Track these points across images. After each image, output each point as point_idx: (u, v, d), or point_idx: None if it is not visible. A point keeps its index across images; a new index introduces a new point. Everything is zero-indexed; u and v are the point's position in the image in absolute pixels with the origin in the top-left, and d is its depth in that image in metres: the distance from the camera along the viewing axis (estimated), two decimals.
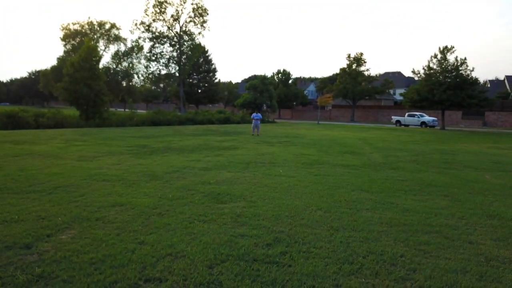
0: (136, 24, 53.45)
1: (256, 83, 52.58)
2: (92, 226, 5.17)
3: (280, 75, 72.69)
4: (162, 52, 54.78)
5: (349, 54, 62.46)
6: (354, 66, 62.40)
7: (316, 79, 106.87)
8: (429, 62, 38.98)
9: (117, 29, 66.22)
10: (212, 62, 70.09)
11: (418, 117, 45.47)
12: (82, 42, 44.15)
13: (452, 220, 5.93)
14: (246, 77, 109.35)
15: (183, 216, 5.73)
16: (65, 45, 64.60)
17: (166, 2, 52.26)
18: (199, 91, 69.62)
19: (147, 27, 53.33)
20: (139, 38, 56.05)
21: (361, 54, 61.98)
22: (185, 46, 54.63)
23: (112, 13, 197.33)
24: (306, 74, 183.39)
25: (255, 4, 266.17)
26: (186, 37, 54.58)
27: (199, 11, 53.38)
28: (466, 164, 12.59)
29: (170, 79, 59.24)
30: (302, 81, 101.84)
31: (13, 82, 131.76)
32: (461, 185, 8.87)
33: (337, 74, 67.05)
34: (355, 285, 3.70)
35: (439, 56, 38.36)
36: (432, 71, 38.71)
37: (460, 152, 16.51)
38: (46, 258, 4.08)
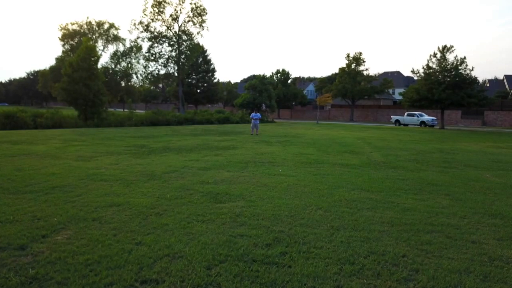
0: (134, 24, 53.32)
1: (255, 83, 52.48)
2: (89, 227, 5.08)
3: (279, 75, 72.54)
4: (161, 52, 54.66)
5: (348, 54, 62.42)
6: (353, 66, 62.33)
7: (315, 79, 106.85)
8: (428, 61, 38.92)
9: (116, 29, 66.05)
10: (211, 62, 69.98)
11: (418, 117, 45.42)
12: (80, 42, 43.98)
13: (454, 219, 5.85)
14: (245, 77, 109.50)
15: (181, 216, 5.64)
16: (63, 45, 64.40)
17: (164, 1, 52.13)
18: (198, 91, 69.48)
19: (145, 27, 53.18)
20: (138, 38, 55.97)
21: (360, 53, 61.93)
22: (183, 46, 54.47)
23: (111, 13, 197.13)
24: (305, 74, 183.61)
25: (254, 4, 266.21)
26: (184, 37, 54.43)
27: (198, 11, 53.25)
28: (466, 163, 12.52)
29: (169, 79, 59.09)
30: (301, 81, 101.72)
31: (11, 82, 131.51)
32: (462, 184, 8.79)
33: (336, 74, 67.02)
34: (357, 286, 3.62)
35: (438, 55, 38.29)
36: (431, 70, 38.62)
37: (460, 151, 16.44)
38: (40, 260, 3.99)
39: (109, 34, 65.85)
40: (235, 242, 4.64)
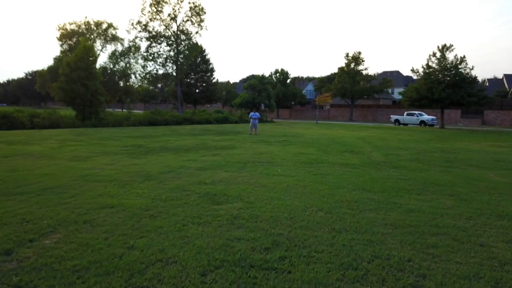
0: (132, 24, 53.02)
1: (254, 83, 52.27)
2: (79, 230, 4.86)
3: (278, 74, 72.31)
4: (159, 51, 54.37)
5: (347, 53, 62.21)
6: (352, 65, 62.11)
7: (314, 78, 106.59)
8: (428, 60, 38.70)
9: (114, 29, 65.79)
10: (210, 62, 69.72)
11: (417, 116, 45.22)
12: (78, 42, 43.63)
13: (460, 221, 5.64)
14: (244, 76, 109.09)
15: (177, 218, 5.42)
16: (61, 45, 64.14)
17: (163, 1, 51.82)
18: (197, 91, 69.23)
19: (144, 27, 52.88)
20: (136, 37, 55.60)
21: (359, 53, 61.72)
22: (182, 46, 54.22)
23: (109, 13, 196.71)
24: (304, 74, 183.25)
25: (253, 3, 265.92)
26: (183, 37, 54.15)
27: (196, 10, 52.96)
28: (468, 162, 12.31)
29: (167, 79, 58.82)
30: (300, 81, 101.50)
31: (10, 83, 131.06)
32: (465, 184, 8.59)
33: (335, 74, 66.76)
34: None
35: (438, 54, 38.07)
36: (431, 69, 38.40)
37: (462, 150, 16.24)
38: (25, 266, 3.77)
39: (107, 34, 65.61)
40: (232, 246, 4.42)
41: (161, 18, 52.92)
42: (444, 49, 37.85)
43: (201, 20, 53.84)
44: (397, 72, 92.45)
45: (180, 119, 37.17)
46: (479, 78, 39.06)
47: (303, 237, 4.79)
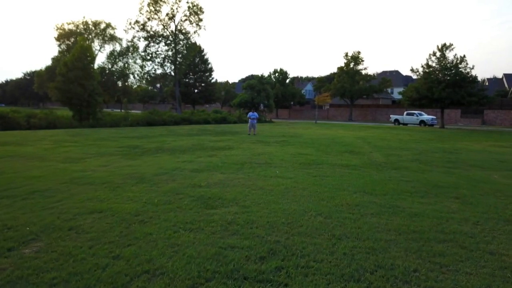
0: (130, 23, 52.77)
1: (254, 83, 51.97)
2: (63, 237, 4.56)
3: (277, 74, 72.03)
4: (157, 51, 54.08)
5: (347, 53, 61.96)
6: (351, 65, 61.84)
7: (313, 78, 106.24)
8: (427, 60, 38.43)
9: (113, 28, 65.46)
10: (209, 61, 69.53)
11: (417, 116, 44.96)
12: (76, 42, 43.39)
13: (467, 226, 5.35)
14: (244, 76, 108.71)
15: (168, 224, 5.13)
16: (59, 45, 63.78)
17: (161, 0, 51.57)
18: (196, 91, 68.98)
19: (142, 26, 52.63)
20: (134, 37, 55.35)
21: (359, 52, 61.46)
22: (180, 45, 53.94)
23: (107, 12, 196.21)
24: (304, 74, 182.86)
25: (253, 3, 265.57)
26: (181, 36, 53.88)
27: (195, 10, 52.71)
28: (471, 163, 12.03)
29: (165, 79, 58.51)
30: (300, 81, 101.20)
31: (8, 83, 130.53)
32: (469, 185, 8.30)
33: (334, 73, 66.47)
34: None
35: (438, 53, 37.79)
36: (431, 69, 38.13)
37: (463, 150, 15.95)
38: (0, 279, 3.47)
39: (105, 34, 65.24)
40: (225, 255, 4.13)
41: (159, 18, 52.69)
42: (444, 48, 37.59)
43: (200, 20, 53.62)
44: (397, 72, 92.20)
45: (178, 119, 36.87)
46: (479, 78, 38.65)
47: (301, 244, 4.50)
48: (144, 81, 61.74)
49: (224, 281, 3.51)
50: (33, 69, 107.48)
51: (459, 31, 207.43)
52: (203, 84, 69.21)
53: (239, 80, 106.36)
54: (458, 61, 36.74)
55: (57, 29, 63.50)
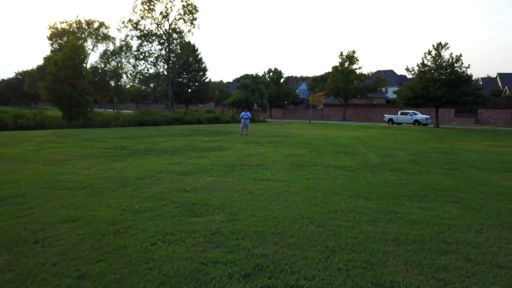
0: (123, 22, 52.14)
1: (248, 82, 51.46)
2: (26, 252, 4.10)
3: (271, 74, 71.53)
4: (151, 50, 53.45)
5: (342, 52, 61.62)
6: (346, 64, 61.50)
7: (308, 78, 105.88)
8: (423, 59, 38.13)
9: (106, 28, 64.71)
10: (202, 61, 68.83)
11: (411, 115, 44.73)
12: (69, 41, 42.76)
13: (470, 235, 4.95)
14: (238, 76, 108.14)
15: (146, 235, 4.69)
16: (52, 44, 63.00)
17: None
18: (189, 90, 68.32)
19: (135, 25, 51.99)
20: (127, 36, 54.75)
21: (354, 52, 61.14)
22: (174, 44, 53.36)
23: (101, 12, 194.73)
24: (298, 73, 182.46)
25: (247, 2, 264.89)
26: (175, 35, 53.31)
27: (189, 8, 52.15)
28: (469, 164, 11.67)
29: (158, 78, 57.89)
30: (294, 80, 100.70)
31: (0, 83, 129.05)
32: (469, 188, 7.92)
33: (329, 73, 66.13)
34: None
35: (433, 52, 37.51)
36: (426, 68, 37.87)
37: (460, 151, 15.61)
38: None
39: (98, 33, 64.47)
40: (205, 272, 3.69)
41: (152, 16, 52.08)
42: (439, 47, 37.32)
43: (194, 19, 53.09)
44: (391, 71, 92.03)
45: (170, 119, 36.33)
46: (473, 77, 38.43)
47: (291, 258, 4.07)
48: (136, 81, 61.05)
49: None
50: (26, 69, 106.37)
51: (454, 30, 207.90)
52: (196, 84, 68.58)
53: (233, 80, 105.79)
54: (453, 60, 36.48)
55: (49, 28, 62.82)
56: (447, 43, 37.15)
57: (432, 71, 37.54)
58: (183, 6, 52.17)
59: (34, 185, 7.42)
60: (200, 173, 9.10)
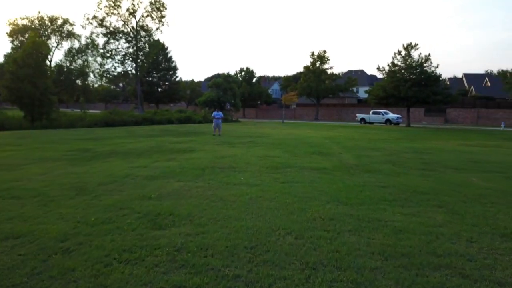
0: (88, 19, 50.40)
1: (220, 81, 50.71)
2: None
3: (244, 73, 71.07)
4: (118, 48, 51.87)
5: (313, 52, 61.88)
6: (317, 64, 61.77)
7: (280, 77, 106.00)
8: (393, 58, 38.58)
9: (71, 25, 62.19)
10: (172, 59, 67.53)
11: (383, 115, 45.18)
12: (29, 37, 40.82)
13: (461, 245, 4.56)
14: (209, 75, 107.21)
15: (100, 254, 4.05)
16: (12, 42, 60.18)
17: None
18: (159, 89, 66.91)
19: (100, 22, 50.31)
20: (92, 33, 52.88)
21: (325, 52, 61.50)
22: (142, 42, 51.99)
23: (66, 8, 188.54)
24: (270, 73, 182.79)
25: (218, 1, 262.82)
26: (143, 33, 51.95)
27: (157, 6, 50.91)
28: (445, 164, 11.48)
29: (127, 77, 56.29)
30: (266, 80, 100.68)
31: None
32: (450, 190, 7.61)
33: (301, 73, 66.27)
34: None
35: (403, 52, 37.97)
36: (396, 67, 38.29)
37: (434, 150, 15.52)
38: None
39: (63, 30, 62.02)
40: None
41: (118, 13, 50.53)
42: (409, 47, 37.78)
43: (162, 16, 51.89)
44: (361, 71, 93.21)
45: (139, 119, 35.23)
46: (441, 77, 39.24)
47: (267, 280, 3.54)
48: (104, 80, 59.18)
49: None
50: None
51: (421, 30, 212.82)
52: (167, 83, 67.23)
53: (205, 79, 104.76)
54: (423, 60, 37.02)
55: (9, 25, 59.93)
56: (417, 44, 37.70)
57: (403, 71, 38.00)
58: (151, 3, 50.92)
59: None
60: (168, 178, 8.45)
